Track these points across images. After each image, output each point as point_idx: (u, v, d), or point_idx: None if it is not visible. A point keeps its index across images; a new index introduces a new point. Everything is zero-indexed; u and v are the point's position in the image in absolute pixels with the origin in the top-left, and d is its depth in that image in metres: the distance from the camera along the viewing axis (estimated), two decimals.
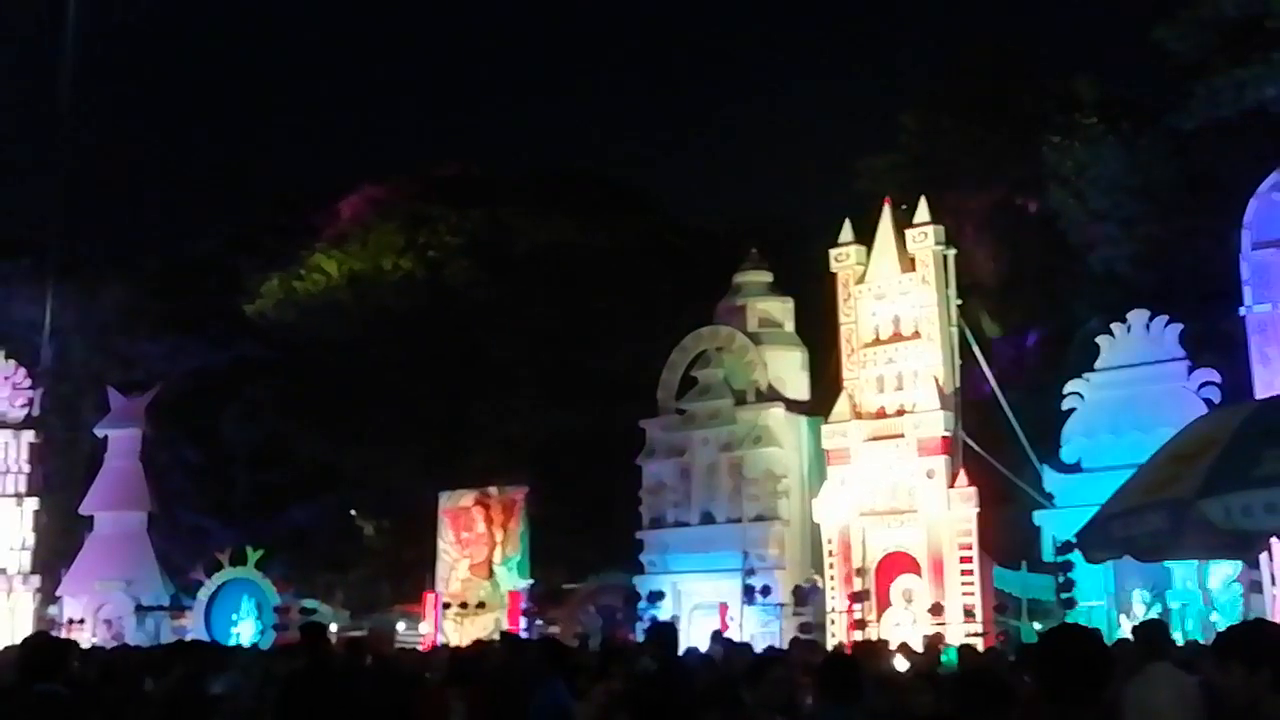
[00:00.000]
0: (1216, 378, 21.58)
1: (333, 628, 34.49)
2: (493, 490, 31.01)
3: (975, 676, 4.89)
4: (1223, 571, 20.32)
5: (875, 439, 23.63)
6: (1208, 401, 20.80)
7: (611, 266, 39.40)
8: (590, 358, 37.36)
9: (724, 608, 24.62)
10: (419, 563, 31.99)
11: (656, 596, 25.68)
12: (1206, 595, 20.62)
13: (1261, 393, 19.03)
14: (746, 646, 13.58)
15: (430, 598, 30.70)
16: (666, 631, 10.98)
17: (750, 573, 25.03)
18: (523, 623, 28.47)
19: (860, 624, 22.77)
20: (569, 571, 31.98)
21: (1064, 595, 20.73)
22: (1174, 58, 28.11)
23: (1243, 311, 21.11)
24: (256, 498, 38.09)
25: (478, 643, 10.33)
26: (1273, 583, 19.51)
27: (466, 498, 31.18)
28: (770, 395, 26.18)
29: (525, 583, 30.04)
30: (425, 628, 30.72)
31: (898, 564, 23.24)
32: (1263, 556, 18.47)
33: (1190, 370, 21.86)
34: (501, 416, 37.17)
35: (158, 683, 10.70)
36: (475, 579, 30.70)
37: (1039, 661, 4.15)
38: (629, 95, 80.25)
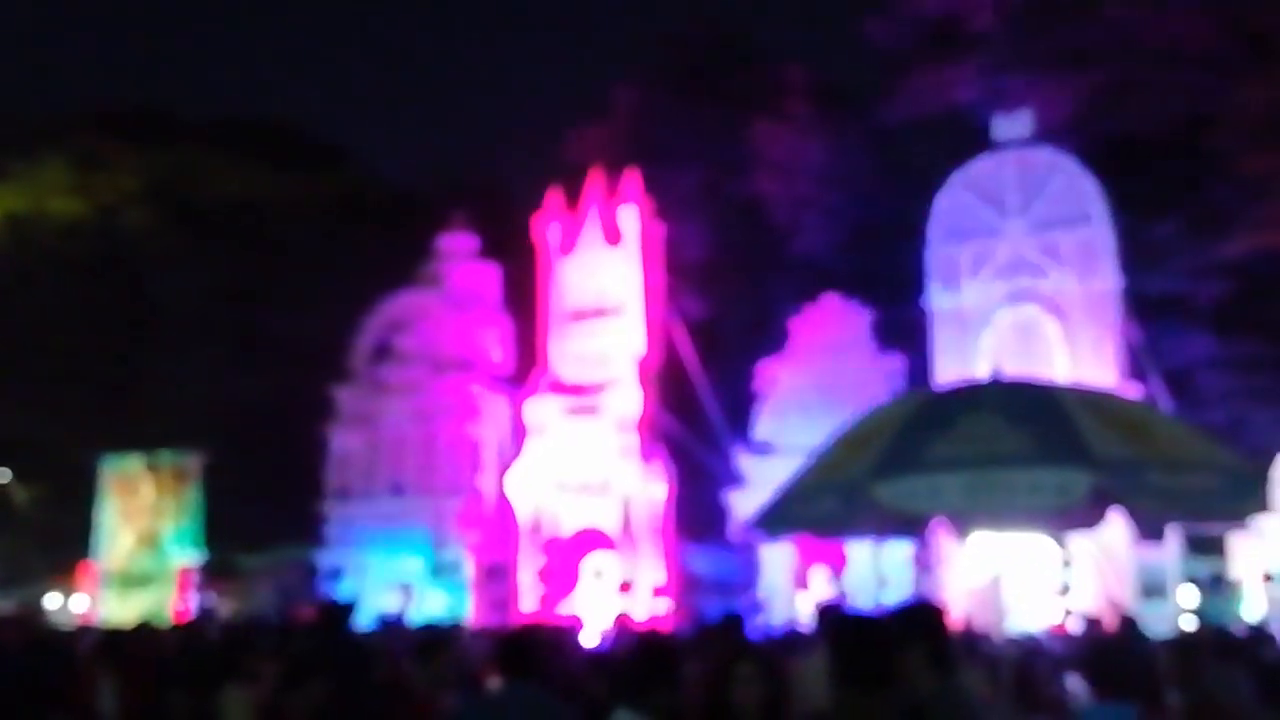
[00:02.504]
0: (902, 364, 22.26)
1: None
2: (164, 456, 28.66)
3: (645, 657, 4.64)
4: (897, 551, 20.96)
5: (573, 414, 23.20)
6: (893, 387, 21.39)
7: (304, 223, 37.29)
8: (276, 319, 35.15)
9: (407, 586, 23.64)
10: (77, 532, 29.25)
11: (339, 572, 24.40)
12: (880, 575, 21.24)
13: (940, 382, 19.68)
14: (421, 626, 12.88)
15: (88, 570, 28.18)
16: (337, 610, 10.13)
17: (439, 548, 24.14)
18: (192, 599, 26.55)
19: (549, 600, 22.33)
20: (246, 545, 29.98)
21: (747, 574, 20.95)
22: (882, 52, 28.94)
23: (924, 304, 21.89)
24: None
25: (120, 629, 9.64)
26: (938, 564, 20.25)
27: (134, 463, 28.71)
28: (470, 365, 25.29)
29: (196, 556, 27.94)
30: (81, 601, 28.21)
31: (591, 540, 22.93)
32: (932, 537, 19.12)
33: (878, 356, 22.46)
34: (176, 377, 34.45)
35: None
36: (140, 550, 28.34)
37: (834, 648, 4.22)
38: (332, 47, 76.84)
